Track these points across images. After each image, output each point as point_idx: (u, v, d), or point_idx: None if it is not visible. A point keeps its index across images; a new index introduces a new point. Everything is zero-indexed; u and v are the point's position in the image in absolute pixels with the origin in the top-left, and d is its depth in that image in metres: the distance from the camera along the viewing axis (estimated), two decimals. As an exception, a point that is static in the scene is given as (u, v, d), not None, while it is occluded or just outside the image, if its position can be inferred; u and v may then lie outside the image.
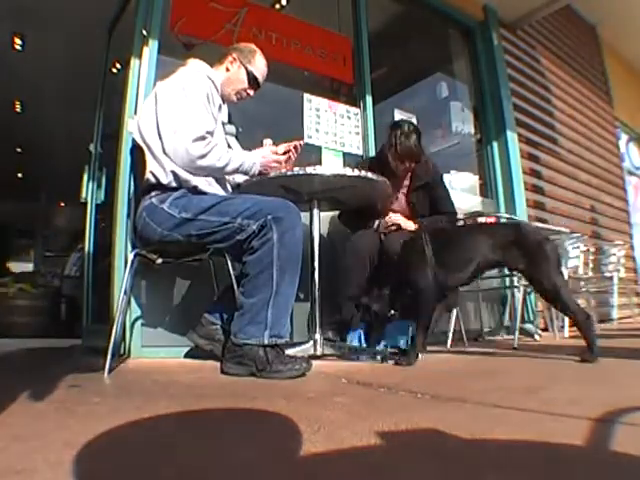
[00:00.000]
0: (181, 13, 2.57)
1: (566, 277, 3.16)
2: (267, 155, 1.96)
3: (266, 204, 1.72)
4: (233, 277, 1.77)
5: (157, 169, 1.78)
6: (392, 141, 2.39)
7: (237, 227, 1.69)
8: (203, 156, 1.75)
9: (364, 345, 2.16)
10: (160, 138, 1.78)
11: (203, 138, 1.74)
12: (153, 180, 1.79)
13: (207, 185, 1.84)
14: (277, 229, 1.66)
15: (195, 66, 1.92)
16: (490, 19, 4.18)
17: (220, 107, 1.99)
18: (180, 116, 1.75)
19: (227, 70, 2.00)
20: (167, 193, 1.77)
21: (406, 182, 2.57)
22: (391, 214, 2.46)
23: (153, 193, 1.79)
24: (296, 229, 1.71)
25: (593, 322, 1.86)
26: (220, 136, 1.95)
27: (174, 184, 1.78)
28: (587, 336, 1.83)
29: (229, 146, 2.07)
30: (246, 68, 2.01)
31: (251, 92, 2.06)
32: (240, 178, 2.09)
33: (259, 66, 2.04)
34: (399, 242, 2.23)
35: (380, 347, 2.16)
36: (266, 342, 1.63)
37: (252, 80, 2.02)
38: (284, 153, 2.02)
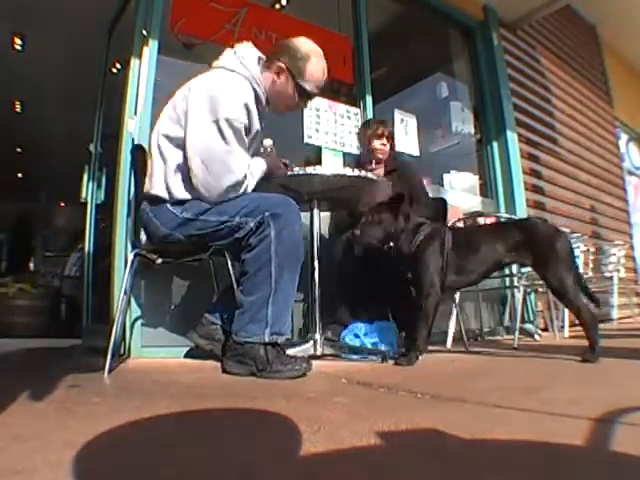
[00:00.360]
0: (181, 13, 2.57)
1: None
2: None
3: (264, 201, 1.70)
4: (233, 277, 1.77)
5: (161, 186, 1.72)
6: (367, 125, 2.72)
7: (235, 225, 1.68)
8: (232, 194, 1.69)
9: (361, 342, 2.16)
10: (184, 159, 1.66)
11: (238, 184, 1.68)
12: (154, 193, 1.74)
13: None
14: (274, 225, 1.64)
15: (238, 67, 1.72)
16: (490, 19, 4.18)
17: (259, 126, 1.80)
18: (214, 154, 1.61)
19: (274, 82, 1.77)
20: None
21: (381, 171, 2.67)
22: None
23: None
24: (295, 226, 1.69)
25: (597, 322, 1.87)
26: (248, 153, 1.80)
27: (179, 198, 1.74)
28: (590, 336, 1.83)
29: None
30: (296, 82, 1.77)
31: (303, 104, 1.87)
32: None
33: (312, 77, 1.78)
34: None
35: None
36: (267, 340, 1.63)
37: (303, 94, 1.81)
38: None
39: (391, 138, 2.66)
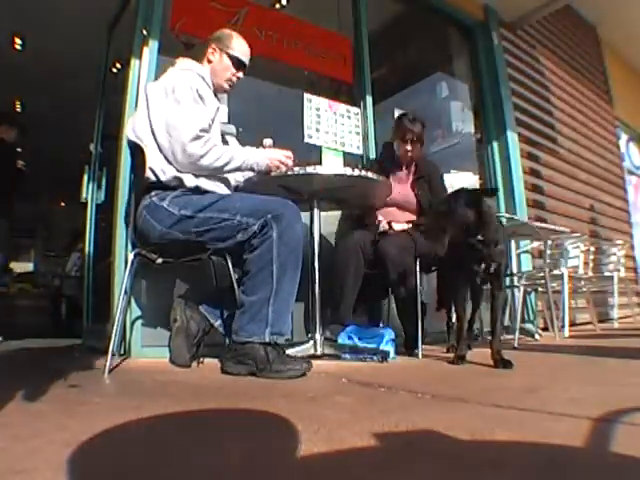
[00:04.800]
0: (181, 13, 2.57)
1: (566, 277, 3.18)
2: (274, 153, 1.97)
3: (265, 202, 1.72)
4: (234, 278, 1.77)
5: (156, 167, 1.78)
6: (397, 125, 2.61)
7: (236, 224, 1.69)
8: (202, 156, 1.74)
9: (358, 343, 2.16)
10: (155, 140, 1.78)
11: (199, 137, 1.74)
12: (153, 178, 1.78)
13: (209, 184, 1.84)
14: (277, 227, 1.66)
15: (184, 65, 1.93)
16: (490, 19, 4.17)
17: (217, 106, 1.97)
18: (173, 117, 1.75)
19: (209, 62, 1.99)
20: (167, 192, 1.78)
21: (412, 176, 2.65)
22: (393, 224, 2.47)
23: (153, 192, 1.79)
24: (296, 227, 1.71)
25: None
26: (217, 135, 1.95)
27: (174, 183, 1.78)
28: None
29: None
30: (227, 54, 1.99)
31: (240, 74, 2.04)
32: (242, 176, 2.09)
33: (239, 47, 2.03)
34: (394, 245, 2.25)
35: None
36: (267, 340, 1.63)
37: (237, 63, 2.02)
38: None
39: (419, 140, 2.57)
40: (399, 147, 2.58)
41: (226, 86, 2.03)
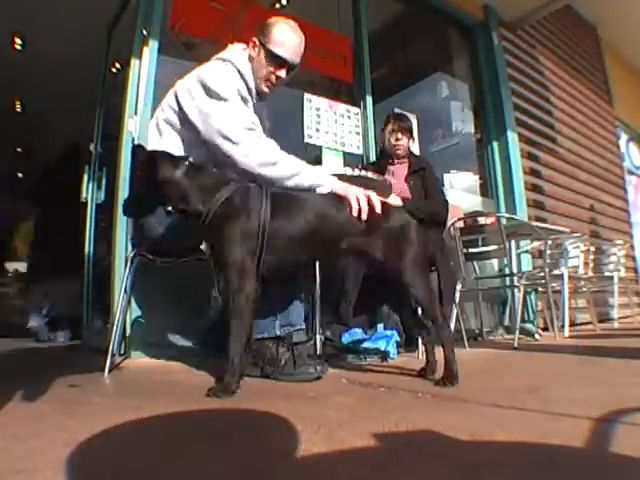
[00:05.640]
0: (181, 13, 2.57)
1: (566, 277, 3.17)
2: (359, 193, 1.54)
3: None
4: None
5: None
6: (385, 121, 2.75)
7: None
8: (262, 154, 1.53)
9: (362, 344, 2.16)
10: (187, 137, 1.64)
11: (252, 129, 1.56)
12: None
13: None
14: None
15: (223, 54, 1.70)
16: (490, 19, 4.18)
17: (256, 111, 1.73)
18: (217, 114, 1.55)
19: (250, 58, 1.71)
20: None
21: (405, 172, 2.69)
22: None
23: None
24: None
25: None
26: None
27: None
28: (447, 355, 1.42)
29: None
30: (264, 47, 1.68)
31: (281, 73, 1.70)
32: None
33: (279, 38, 1.68)
34: None
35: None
36: (278, 333, 1.60)
37: (274, 58, 1.68)
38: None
39: (408, 131, 2.70)
40: (389, 140, 2.69)
41: (265, 88, 1.73)
